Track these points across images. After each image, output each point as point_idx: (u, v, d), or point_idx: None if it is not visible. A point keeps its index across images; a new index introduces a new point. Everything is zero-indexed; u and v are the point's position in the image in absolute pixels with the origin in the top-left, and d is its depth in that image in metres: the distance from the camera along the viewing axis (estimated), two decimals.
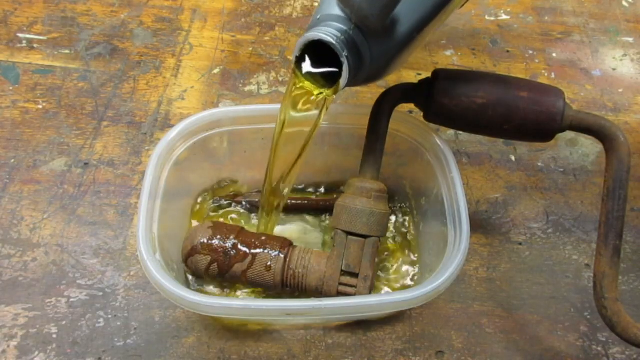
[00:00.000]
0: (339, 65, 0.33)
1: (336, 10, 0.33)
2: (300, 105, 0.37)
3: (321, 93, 0.36)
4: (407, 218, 0.46)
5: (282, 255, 0.40)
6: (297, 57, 0.34)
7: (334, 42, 0.32)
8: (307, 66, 0.35)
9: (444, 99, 0.39)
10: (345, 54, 0.33)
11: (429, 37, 0.37)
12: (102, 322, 0.42)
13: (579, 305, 0.45)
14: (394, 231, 0.46)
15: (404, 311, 0.43)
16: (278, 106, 0.43)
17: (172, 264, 0.39)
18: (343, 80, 0.34)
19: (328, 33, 0.33)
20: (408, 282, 0.43)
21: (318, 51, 0.33)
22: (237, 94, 0.56)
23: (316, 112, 0.38)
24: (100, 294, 0.43)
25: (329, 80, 0.35)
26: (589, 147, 0.55)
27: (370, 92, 0.57)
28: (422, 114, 0.41)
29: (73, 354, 0.40)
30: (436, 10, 0.35)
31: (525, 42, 0.64)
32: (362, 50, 0.34)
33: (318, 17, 0.34)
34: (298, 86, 0.36)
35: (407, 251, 0.45)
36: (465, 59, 0.61)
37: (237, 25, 0.62)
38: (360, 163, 0.41)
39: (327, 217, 0.46)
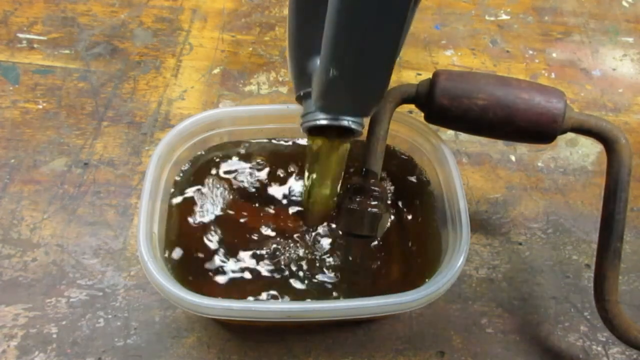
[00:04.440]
0: None
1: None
2: (330, 157, 0.39)
3: (343, 141, 0.37)
4: (406, 218, 0.46)
5: None
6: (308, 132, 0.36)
7: (338, 124, 0.33)
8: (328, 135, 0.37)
9: (444, 100, 0.39)
10: (348, 123, 0.34)
11: None
12: (102, 322, 0.42)
13: (579, 305, 0.45)
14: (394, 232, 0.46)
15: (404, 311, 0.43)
16: (279, 106, 0.43)
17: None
18: (358, 133, 0.35)
19: (325, 118, 0.33)
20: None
21: None
22: (237, 94, 0.56)
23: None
24: (100, 294, 0.43)
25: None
26: (589, 147, 0.55)
27: None
28: (421, 113, 0.42)
29: (73, 354, 0.40)
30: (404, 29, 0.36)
31: (525, 42, 0.64)
32: None
33: (301, 93, 0.34)
34: (318, 146, 0.38)
35: (407, 252, 0.45)
36: (465, 59, 0.61)
37: (237, 25, 0.62)
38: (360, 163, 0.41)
39: None
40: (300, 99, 0.35)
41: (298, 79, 0.34)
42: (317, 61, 0.31)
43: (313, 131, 0.35)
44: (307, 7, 0.30)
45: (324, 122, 0.33)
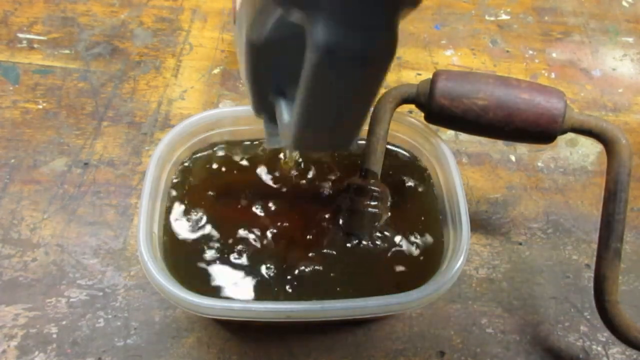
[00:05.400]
0: None
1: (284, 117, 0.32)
2: None
3: None
4: (406, 218, 0.46)
5: None
6: None
7: None
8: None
9: (444, 100, 0.39)
10: None
11: None
12: (102, 322, 0.42)
13: (579, 305, 0.45)
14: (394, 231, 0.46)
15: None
16: None
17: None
18: None
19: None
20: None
21: None
22: (237, 94, 0.56)
23: None
24: (100, 294, 0.43)
25: None
26: (589, 147, 0.55)
27: None
28: (421, 113, 0.42)
29: (73, 354, 0.40)
30: None
31: (525, 42, 0.64)
32: None
33: (262, 115, 0.34)
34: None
35: (407, 251, 0.45)
36: (465, 59, 0.61)
37: None
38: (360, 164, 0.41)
39: None
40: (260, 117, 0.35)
41: (258, 110, 0.33)
42: (279, 97, 0.31)
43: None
44: (264, 53, 0.28)
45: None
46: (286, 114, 0.30)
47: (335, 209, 0.41)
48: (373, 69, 0.24)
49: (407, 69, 0.60)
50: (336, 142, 0.30)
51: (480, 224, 0.49)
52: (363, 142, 0.42)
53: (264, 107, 0.32)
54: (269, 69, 0.29)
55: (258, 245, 0.41)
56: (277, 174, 0.44)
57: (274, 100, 0.31)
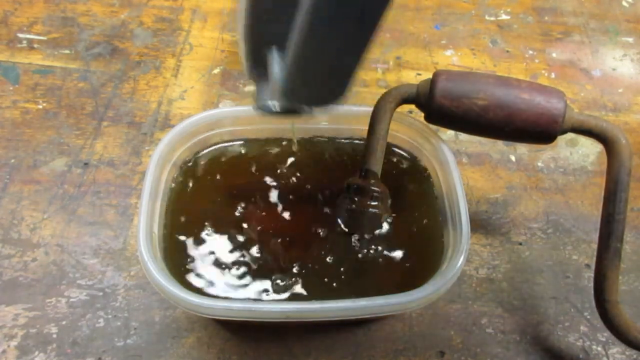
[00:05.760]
0: None
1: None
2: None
3: None
4: (406, 218, 0.46)
5: None
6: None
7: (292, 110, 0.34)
8: None
9: (444, 100, 0.39)
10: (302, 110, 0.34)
11: None
12: (102, 322, 0.42)
13: (579, 305, 0.45)
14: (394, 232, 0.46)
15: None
16: None
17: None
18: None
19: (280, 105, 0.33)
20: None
21: None
22: (237, 94, 0.56)
23: None
24: (100, 294, 0.43)
25: None
26: (589, 147, 0.55)
27: (371, 93, 0.57)
28: (421, 113, 0.42)
29: (73, 354, 0.40)
30: None
31: (525, 42, 0.64)
32: None
33: (254, 75, 0.34)
34: None
35: (407, 252, 0.45)
36: (465, 59, 0.61)
37: None
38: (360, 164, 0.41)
39: None
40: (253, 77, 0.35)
41: (252, 61, 0.33)
42: (273, 50, 0.31)
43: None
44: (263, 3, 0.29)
45: (278, 109, 0.33)
46: (278, 66, 0.30)
47: (336, 209, 0.41)
48: (369, 15, 0.24)
49: (407, 69, 0.60)
50: (327, 94, 0.30)
51: (480, 224, 0.49)
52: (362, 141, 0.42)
53: (258, 61, 0.32)
54: (267, 17, 0.30)
55: (258, 245, 0.41)
56: (279, 171, 0.44)
57: (268, 53, 0.31)
